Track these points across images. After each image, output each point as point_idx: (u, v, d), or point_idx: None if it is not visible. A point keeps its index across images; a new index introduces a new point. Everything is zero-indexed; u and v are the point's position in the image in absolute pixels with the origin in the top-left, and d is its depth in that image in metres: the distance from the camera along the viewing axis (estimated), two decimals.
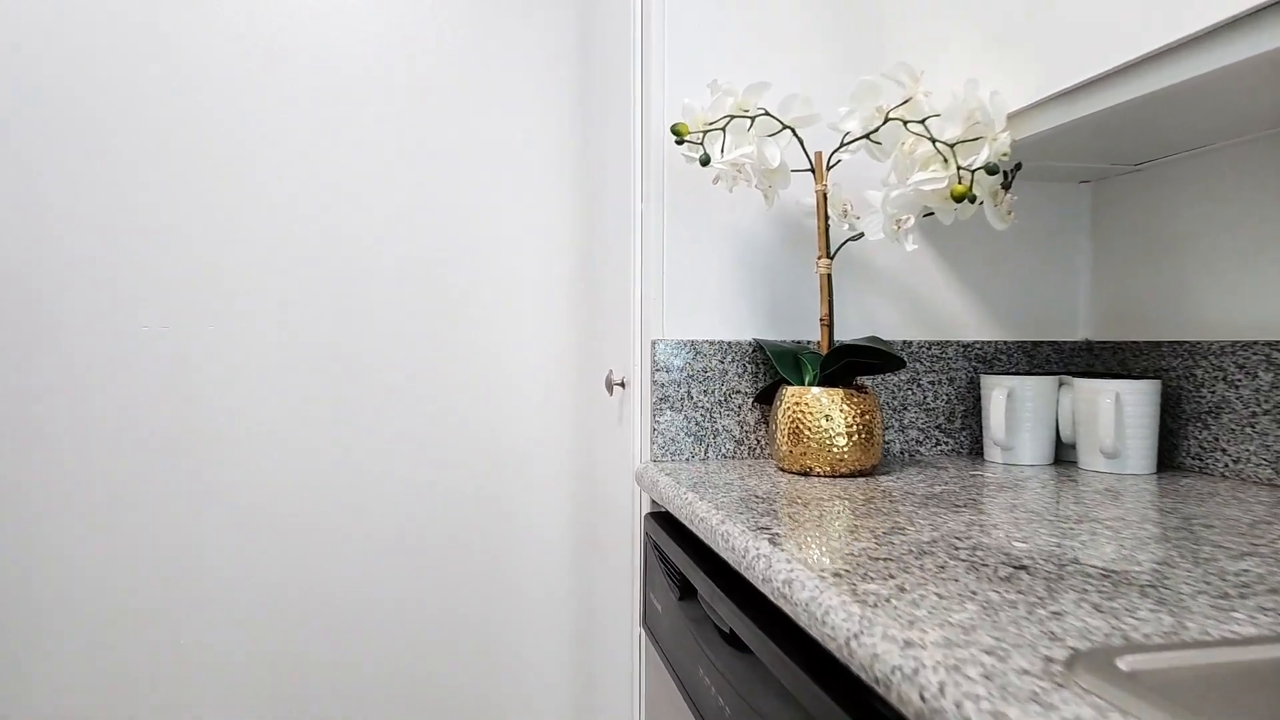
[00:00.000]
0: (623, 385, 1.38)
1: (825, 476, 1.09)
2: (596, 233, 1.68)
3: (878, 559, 0.68)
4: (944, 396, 1.32)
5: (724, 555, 0.81)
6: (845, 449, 1.08)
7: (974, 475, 1.11)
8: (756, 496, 0.95)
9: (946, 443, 1.32)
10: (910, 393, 1.31)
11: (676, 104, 1.25)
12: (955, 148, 0.97)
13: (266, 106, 1.69)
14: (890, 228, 1.05)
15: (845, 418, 1.08)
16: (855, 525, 0.80)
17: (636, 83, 1.31)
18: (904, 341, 1.31)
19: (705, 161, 1.04)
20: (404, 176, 1.75)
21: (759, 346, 1.26)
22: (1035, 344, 1.35)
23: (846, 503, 0.91)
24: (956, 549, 0.71)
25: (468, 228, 1.79)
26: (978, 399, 1.33)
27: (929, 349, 1.31)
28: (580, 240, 1.85)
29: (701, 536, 0.89)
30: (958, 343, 1.32)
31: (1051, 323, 1.36)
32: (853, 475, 1.10)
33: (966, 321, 1.34)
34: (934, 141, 0.98)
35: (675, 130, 1.06)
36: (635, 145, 1.32)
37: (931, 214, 1.10)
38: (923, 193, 1.02)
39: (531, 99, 1.83)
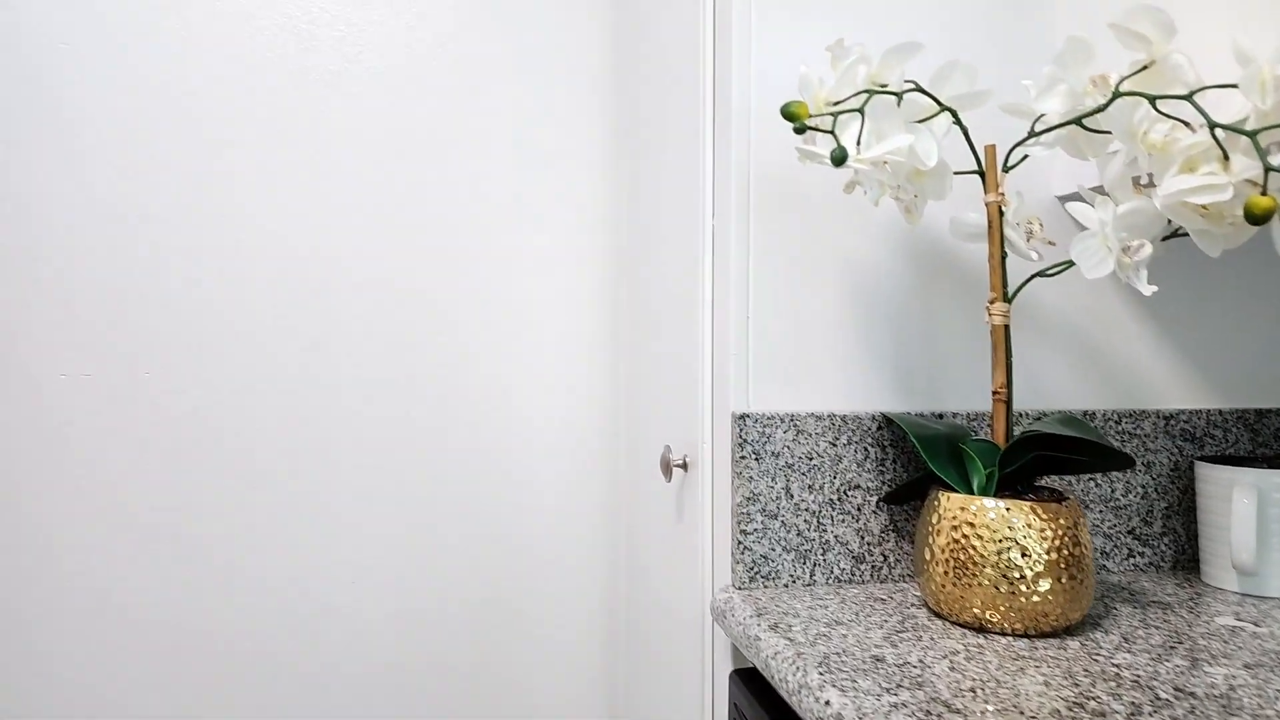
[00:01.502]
0: (684, 467, 1.01)
1: (1012, 635, 0.72)
2: (639, 257, 1.32)
3: None
4: (1138, 489, 0.95)
5: None
6: (1048, 597, 0.71)
7: (1222, 623, 0.74)
8: (921, 686, 0.58)
9: (1142, 553, 0.95)
10: (1093, 483, 0.94)
11: (768, 77, 0.89)
12: (1259, 137, 0.60)
13: (257, 118, 1.34)
14: (1121, 259, 0.69)
15: (1045, 546, 0.71)
16: None
17: (706, 48, 0.95)
18: (1084, 412, 0.94)
19: (840, 160, 0.67)
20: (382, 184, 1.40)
21: (888, 423, 0.89)
22: (1260, 413, 0.97)
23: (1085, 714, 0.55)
24: None
25: (469, 261, 1.44)
26: (1183, 492, 0.96)
27: (1117, 423, 0.94)
28: (613, 264, 1.48)
29: None
30: (1156, 413, 0.95)
31: None
32: (1054, 634, 0.73)
33: (1168, 385, 0.96)
34: (1213, 129, 0.61)
35: (790, 113, 0.70)
36: (705, 137, 0.96)
37: (1174, 235, 0.73)
38: (1183, 206, 0.65)
39: (547, 68, 1.47)
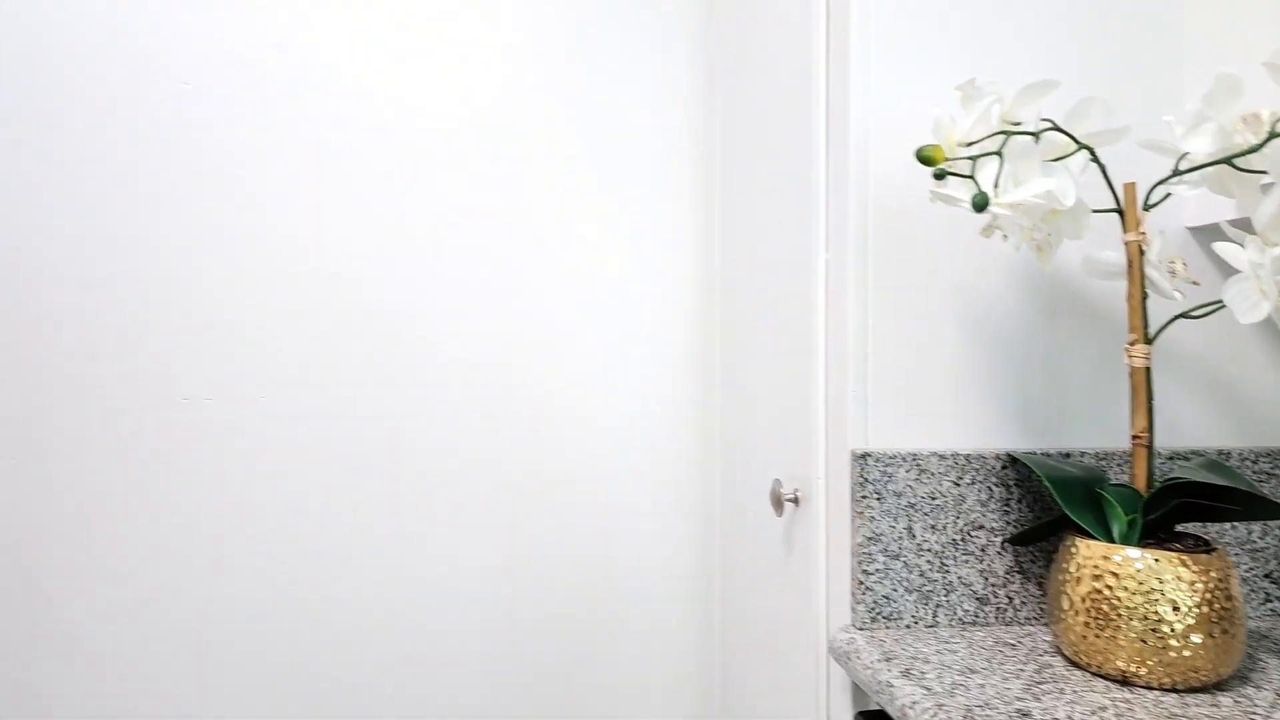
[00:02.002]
0: (795, 502, 1.01)
1: (1159, 690, 0.70)
2: (734, 285, 1.32)
3: None
4: (1275, 531, 0.91)
5: None
6: (1199, 651, 0.68)
7: None
8: None
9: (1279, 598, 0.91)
10: (1229, 525, 0.90)
11: (886, 108, 0.88)
12: None
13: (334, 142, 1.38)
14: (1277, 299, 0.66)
15: (1196, 600, 0.68)
16: None
17: (818, 77, 0.95)
18: (1219, 451, 0.91)
19: (981, 206, 0.67)
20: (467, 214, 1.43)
21: (1013, 463, 0.88)
22: None
23: None
24: None
25: (558, 289, 1.45)
26: None
27: (1254, 462, 0.91)
28: (703, 290, 1.48)
29: None
30: None
31: None
32: (1204, 689, 0.70)
33: None
34: None
35: (925, 157, 0.70)
36: (817, 170, 0.95)
37: None
38: None
39: (636, 87, 1.48)
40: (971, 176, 0.69)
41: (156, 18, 1.32)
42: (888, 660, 0.77)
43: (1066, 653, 0.76)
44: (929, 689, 0.70)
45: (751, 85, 1.25)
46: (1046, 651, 0.80)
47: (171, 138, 1.33)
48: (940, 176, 0.68)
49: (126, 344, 1.32)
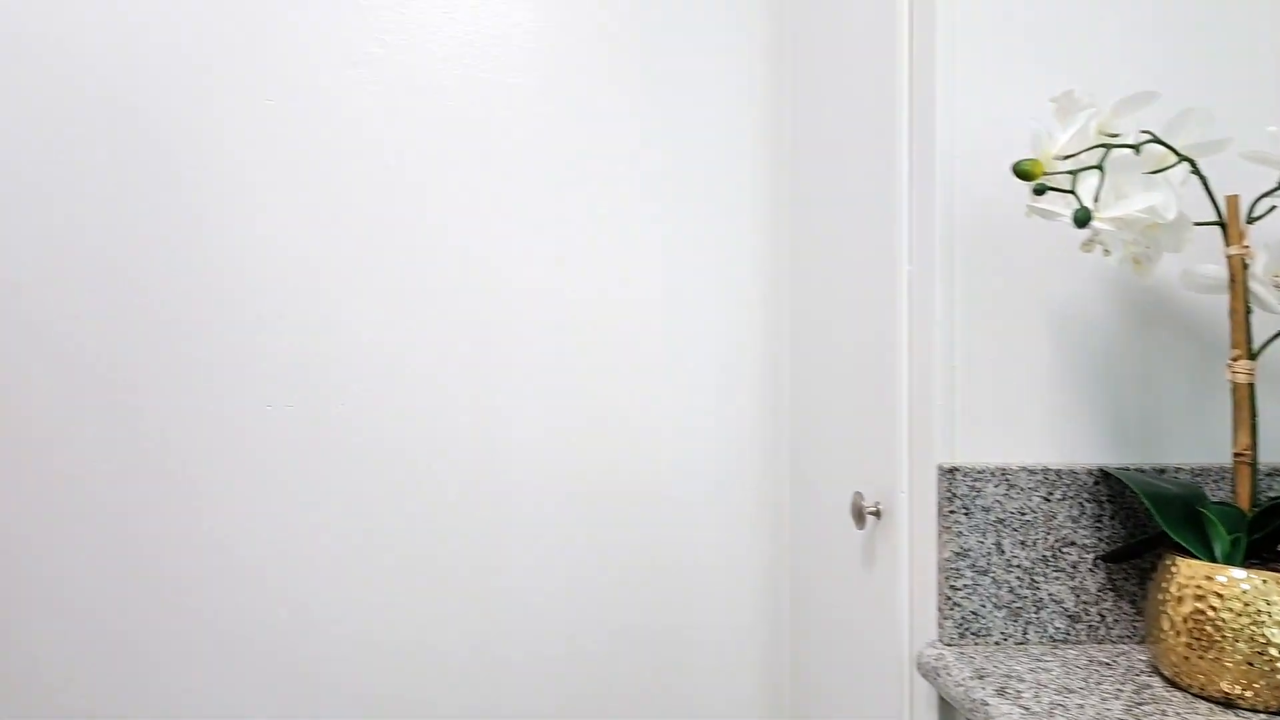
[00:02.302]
0: (877, 515, 1.00)
1: (1266, 713, 0.69)
2: (804, 296, 1.32)
3: None
4: None
5: None
6: None
7: None
8: None
9: None
10: None
11: (972, 119, 0.87)
12: None
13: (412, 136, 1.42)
14: None
15: None
16: None
17: (901, 87, 0.95)
18: None
19: (1084, 221, 0.66)
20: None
21: (1105, 478, 0.86)
22: None
23: None
24: None
25: (626, 295, 1.46)
26: None
27: None
28: (771, 299, 1.48)
29: None
30: None
31: None
32: None
33: None
34: None
35: (1023, 172, 0.69)
36: (900, 182, 0.95)
37: None
38: None
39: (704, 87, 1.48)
40: (1072, 191, 0.69)
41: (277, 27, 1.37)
42: (980, 678, 0.76)
43: (1166, 673, 0.75)
44: (1027, 709, 0.69)
45: (826, 93, 1.25)
46: (1144, 671, 0.78)
47: (258, 150, 1.37)
48: (1041, 191, 0.68)
49: (214, 352, 1.37)
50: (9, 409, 1.34)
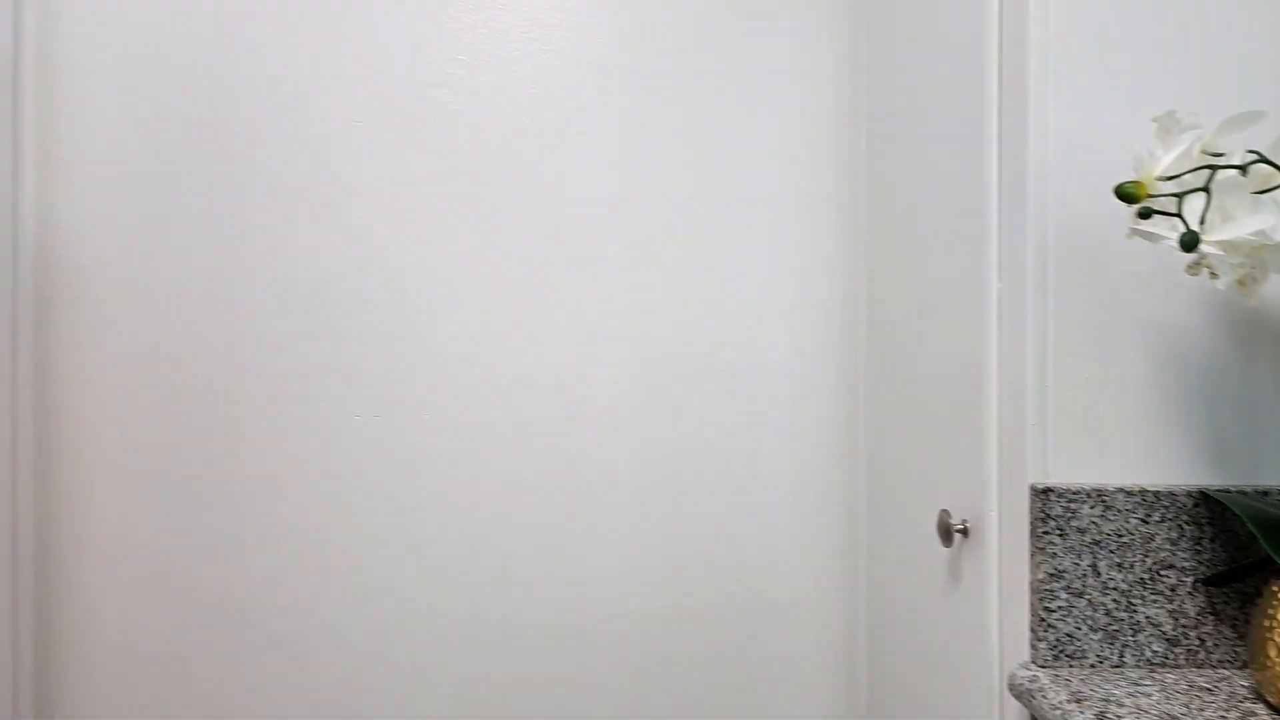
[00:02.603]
0: (965, 533, 1.00)
1: None
2: (882, 310, 1.32)
3: None
4: None
5: None
6: None
7: None
8: None
9: None
10: None
11: (1065, 135, 0.87)
12: None
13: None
14: None
15: None
16: None
17: (990, 101, 0.95)
18: None
19: (1191, 245, 0.66)
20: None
21: (1205, 500, 0.85)
22: None
23: None
24: None
25: (702, 300, 1.48)
26: None
27: None
28: (848, 310, 1.48)
29: None
30: None
31: None
32: None
33: None
34: None
35: (1126, 194, 0.69)
36: (989, 199, 0.95)
37: None
38: None
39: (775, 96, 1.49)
40: (1178, 214, 0.68)
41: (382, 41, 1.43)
42: (1078, 701, 0.76)
43: (1271, 700, 0.74)
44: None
45: (907, 107, 1.25)
46: (1247, 698, 0.77)
47: (348, 169, 1.43)
48: (1146, 215, 0.68)
49: (306, 363, 1.42)
50: (120, 420, 1.41)
